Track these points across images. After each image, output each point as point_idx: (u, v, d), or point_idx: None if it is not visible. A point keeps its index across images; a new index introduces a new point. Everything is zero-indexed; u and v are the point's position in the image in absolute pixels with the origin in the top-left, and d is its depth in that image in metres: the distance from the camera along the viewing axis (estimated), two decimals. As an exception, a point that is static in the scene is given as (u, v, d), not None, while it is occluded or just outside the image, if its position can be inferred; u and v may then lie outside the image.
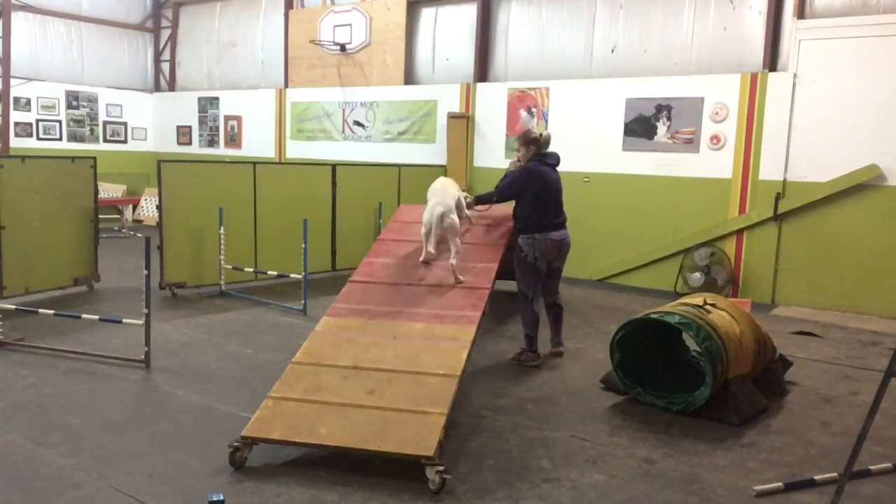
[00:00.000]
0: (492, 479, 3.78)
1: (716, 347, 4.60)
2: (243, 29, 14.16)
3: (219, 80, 14.64)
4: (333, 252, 9.34)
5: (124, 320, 5.65)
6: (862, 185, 8.04)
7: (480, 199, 6.10)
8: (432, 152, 11.22)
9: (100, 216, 8.05)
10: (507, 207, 6.06)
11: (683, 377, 5.12)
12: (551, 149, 5.84)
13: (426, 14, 11.65)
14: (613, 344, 5.06)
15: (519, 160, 5.92)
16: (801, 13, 8.44)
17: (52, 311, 5.94)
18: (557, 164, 5.86)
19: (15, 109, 13.20)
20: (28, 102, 13.48)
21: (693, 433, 4.49)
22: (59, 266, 7.55)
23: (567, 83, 10.02)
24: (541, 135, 5.79)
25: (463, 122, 10.75)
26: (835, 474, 3.78)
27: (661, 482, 3.81)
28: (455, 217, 5.46)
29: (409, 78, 11.78)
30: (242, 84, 14.20)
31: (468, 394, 5.01)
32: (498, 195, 5.90)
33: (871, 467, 3.98)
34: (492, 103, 10.64)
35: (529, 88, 10.29)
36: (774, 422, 4.76)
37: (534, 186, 5.66)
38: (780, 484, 3.77)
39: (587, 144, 9.73)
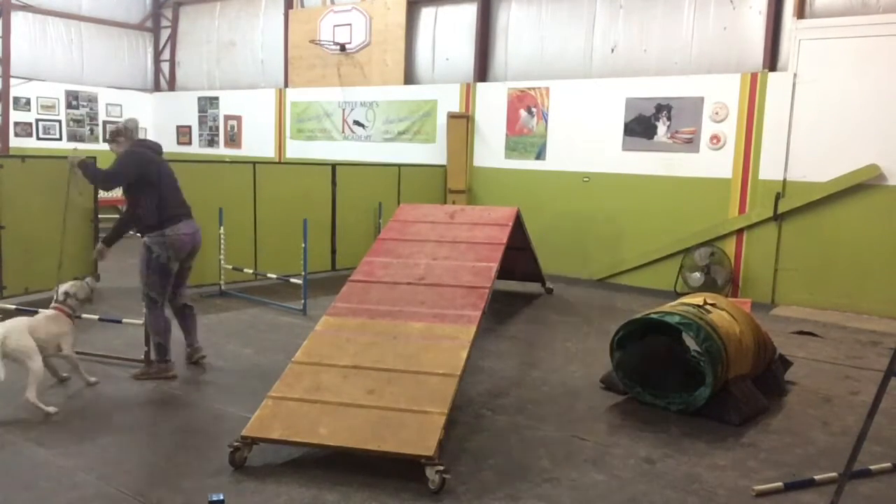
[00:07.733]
0: (492, 479, 3.78)
1: (716, 347, 4.60)
2: (243, 29, 14.16)
3: (219, 80, 14.63)
4: (333, 252, 9.34)
5: (124, 320, 5.65)
6: (862, 185, 8.03)
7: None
8: (432, 152, 11.21)
9: (100, 216, 8.04)
10: (510, 208, 6.08)
11: (683, 377, 5.12)
12: None
13: (426, 14, 11.64)
14: (613, 344, 5.06)
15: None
16: (800, 13, 8.43)
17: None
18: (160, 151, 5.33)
19: (15, 109, 13.17)
20: (28, 102, 13.46)
21: (693, 433, 4.49)
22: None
23: (567, 83, 10.01)
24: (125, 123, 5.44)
25: (463, 122, 10.74)
26: (835, 474, 3.77)
27: (661, 482, 3.81)
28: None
29: (409, 78, 11.77)
30: (242, 84, 14.19)
31: (468, 394, 5.00)
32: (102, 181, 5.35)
33: (871, 467, 3.98)
34: (492, 103, 10.63)
35: (529, 88, 10.29)
36: (774, 422, 4.76)
37: (148, 171, 5.12)
38: (780, 484, 3.77)
39: (587, 144, 9.74)
